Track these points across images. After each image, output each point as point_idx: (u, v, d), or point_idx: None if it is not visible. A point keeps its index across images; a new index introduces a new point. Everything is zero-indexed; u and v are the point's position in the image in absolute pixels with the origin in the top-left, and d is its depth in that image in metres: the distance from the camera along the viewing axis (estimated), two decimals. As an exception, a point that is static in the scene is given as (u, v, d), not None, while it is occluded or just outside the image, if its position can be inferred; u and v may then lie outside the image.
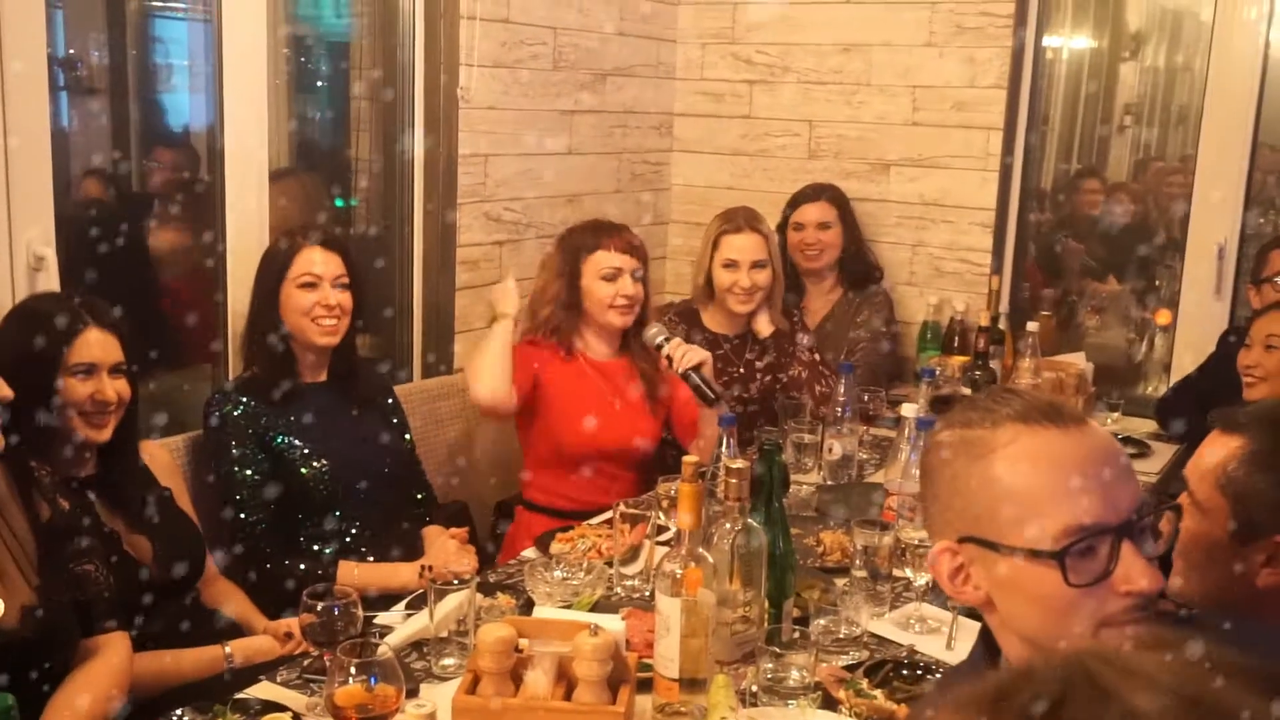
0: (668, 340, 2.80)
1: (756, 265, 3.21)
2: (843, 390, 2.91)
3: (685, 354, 2.74)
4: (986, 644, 1.27)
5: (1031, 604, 1.16)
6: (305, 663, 1.89)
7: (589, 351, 2.92)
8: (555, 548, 2.35)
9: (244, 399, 2.47)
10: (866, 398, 3.19)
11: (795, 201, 3.72)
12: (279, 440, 2.47)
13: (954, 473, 1.21)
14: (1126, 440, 3.12)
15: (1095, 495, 1.14)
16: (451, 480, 3.12)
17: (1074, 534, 1.13)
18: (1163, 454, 3.15)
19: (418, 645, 1.95)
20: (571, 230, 2.99)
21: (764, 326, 3.29)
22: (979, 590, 1.21)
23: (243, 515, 2.41)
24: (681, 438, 2.99)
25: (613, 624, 1.78)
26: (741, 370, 3.29)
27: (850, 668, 1.87)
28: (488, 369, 2.73)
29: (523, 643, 1.72)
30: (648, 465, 2.91)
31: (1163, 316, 3.77)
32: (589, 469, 2.82)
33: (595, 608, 2.07)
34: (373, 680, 1.59)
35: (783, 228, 3.66)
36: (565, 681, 1.69)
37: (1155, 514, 1.19)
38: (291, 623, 2.08)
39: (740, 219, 3.26)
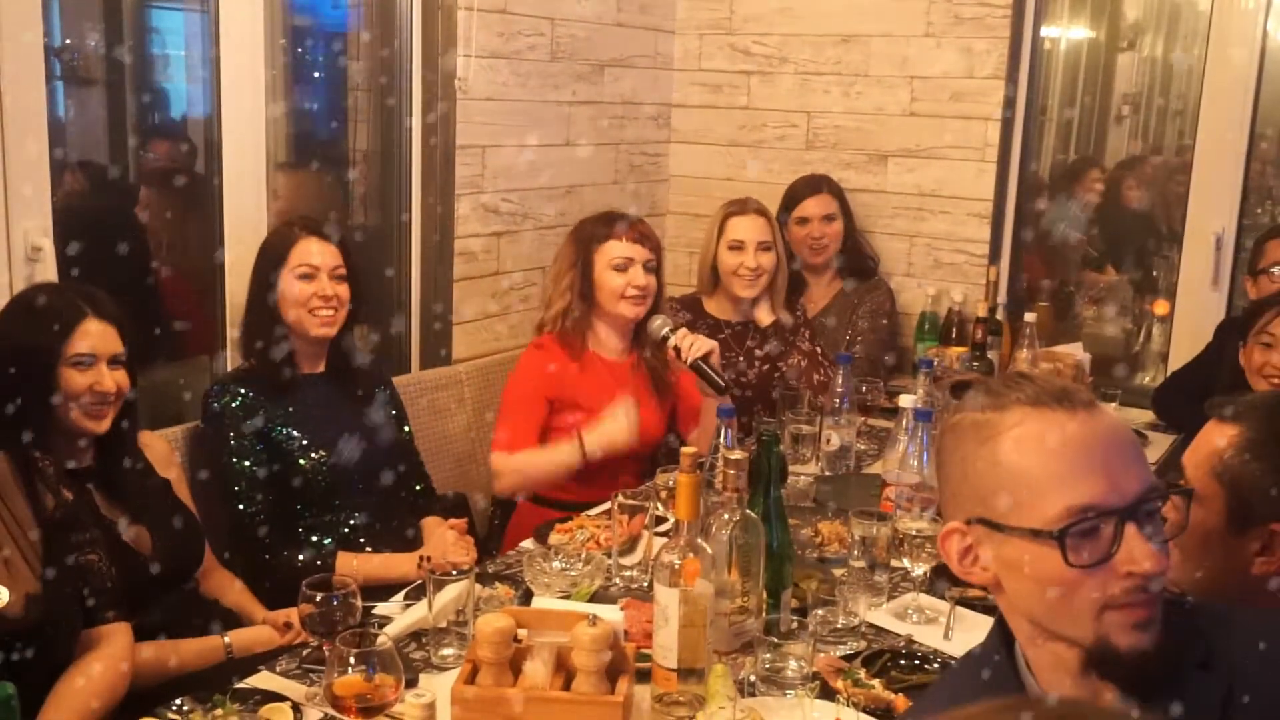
0: (673, 331, 2.80)
1: (762, 247, 3.23)
2: (841, 381, 2.90)
3: (693, 344, 2.74)
4: (1001, 630, 1.28)
5: (1035, 585, 1.17)
6: (304, 653, 1.89)
7: (600, 349, 2.91)
8: (554, 538, 2.35)
9: (242, 390, 2.47)
10: (865, 388, 3.19)
11: (794, 197, 3.69)
12: (277, 431, 2.47)
13: (963, 455, 1.23)
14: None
15: (1098, 477, 1.15)
16: (450, 471, 3.12)
17: (1074, 515, 1.14)
18: (1160, 444, 3.15)
19: (416, 635, 1.95)
20: (584, 220, 2.98)
21: (765, 316, 3.30)
22: (987, 571, 1.23)
23: (241, 506, 2.42)
24: (684, 428, 3.00)
25: (611, 614, 1.78)
26: (741, 357, 3.30)
27: (848, 657, 1.87)
28: (532, 482, 2.78)
29: (521, 633, 1.72)
30: (650, 457, 2.91)
31: (1160, 307, 3.78)
32: (595, 465, 2.82)
33: (594, 598, 2.07)
34: (371, 670, 1.59)
35: (782, 224, 3.64)
36: (564, 672, 1.69)
37: (1164, 498, 1.20)
38: (291, 613, 2.09)
39: (745, 203, 3.31)
